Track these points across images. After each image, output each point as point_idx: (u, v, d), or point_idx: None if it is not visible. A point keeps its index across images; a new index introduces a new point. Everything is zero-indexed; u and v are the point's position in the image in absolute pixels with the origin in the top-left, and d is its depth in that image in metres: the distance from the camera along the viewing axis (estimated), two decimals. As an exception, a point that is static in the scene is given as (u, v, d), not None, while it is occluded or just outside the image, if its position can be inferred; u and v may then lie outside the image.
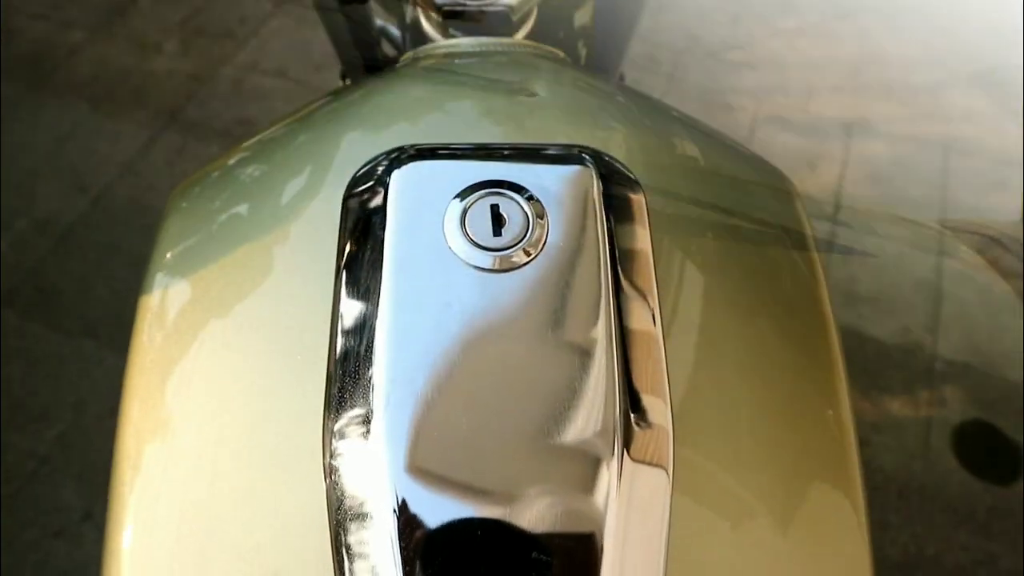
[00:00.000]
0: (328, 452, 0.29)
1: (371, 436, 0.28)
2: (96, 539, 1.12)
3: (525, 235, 0.32)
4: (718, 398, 0.32)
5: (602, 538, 0.28)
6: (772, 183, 0.43)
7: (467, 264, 0.31)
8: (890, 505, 1.18)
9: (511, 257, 0.32)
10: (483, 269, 0.31)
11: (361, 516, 0.28)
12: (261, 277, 0.34)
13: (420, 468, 0.28)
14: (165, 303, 0.35)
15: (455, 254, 0.32)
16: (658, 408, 0.30)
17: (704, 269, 0.35)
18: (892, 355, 1.33)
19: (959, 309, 1.40)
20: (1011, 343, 1.36)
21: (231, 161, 0.41)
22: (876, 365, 1.32)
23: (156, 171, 1.58)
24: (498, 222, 0.32)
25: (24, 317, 1.35)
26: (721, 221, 0.37)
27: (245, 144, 0.43)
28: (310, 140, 0.40)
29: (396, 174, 0.34)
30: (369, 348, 0.30)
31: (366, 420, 0.29)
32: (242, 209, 0.37)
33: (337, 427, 0.30)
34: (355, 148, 0.38)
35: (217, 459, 0.31)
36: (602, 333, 0.30)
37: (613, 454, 0.28)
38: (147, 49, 1.82)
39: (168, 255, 0.37)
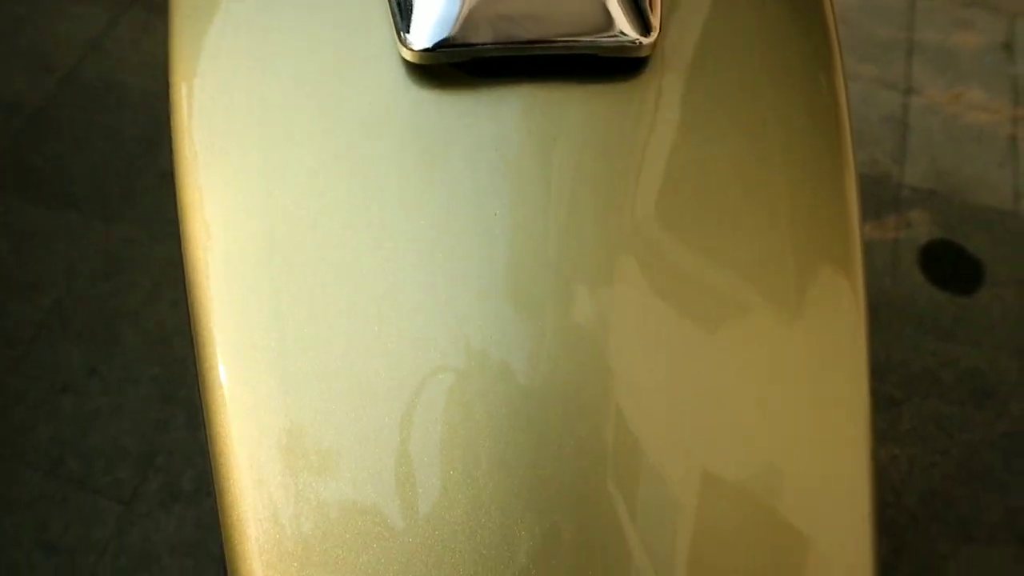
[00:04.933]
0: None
1: None
2: (102, 391, 1.16)
3: None
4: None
5: None
6: None
7: None
8: (861, 319, 1.24)
9: None
10: None
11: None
12: None
13: None
14: None
15: None
16: None
17: None
18: (861, 184, 1.38)
19: (924, 140, 1.44)
20: (974, 170, 1.41)
21: None
22: (846, 195, 1.36)
23: (122, 48, 1.55)
24: None
25: (4, 195, 1.35)
26: None
27: None
28: None
29: None
30: None
31: None
32: None
33: None
34: None
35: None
36: None
37: None
38: (98, -71, 1.76)
39: None
